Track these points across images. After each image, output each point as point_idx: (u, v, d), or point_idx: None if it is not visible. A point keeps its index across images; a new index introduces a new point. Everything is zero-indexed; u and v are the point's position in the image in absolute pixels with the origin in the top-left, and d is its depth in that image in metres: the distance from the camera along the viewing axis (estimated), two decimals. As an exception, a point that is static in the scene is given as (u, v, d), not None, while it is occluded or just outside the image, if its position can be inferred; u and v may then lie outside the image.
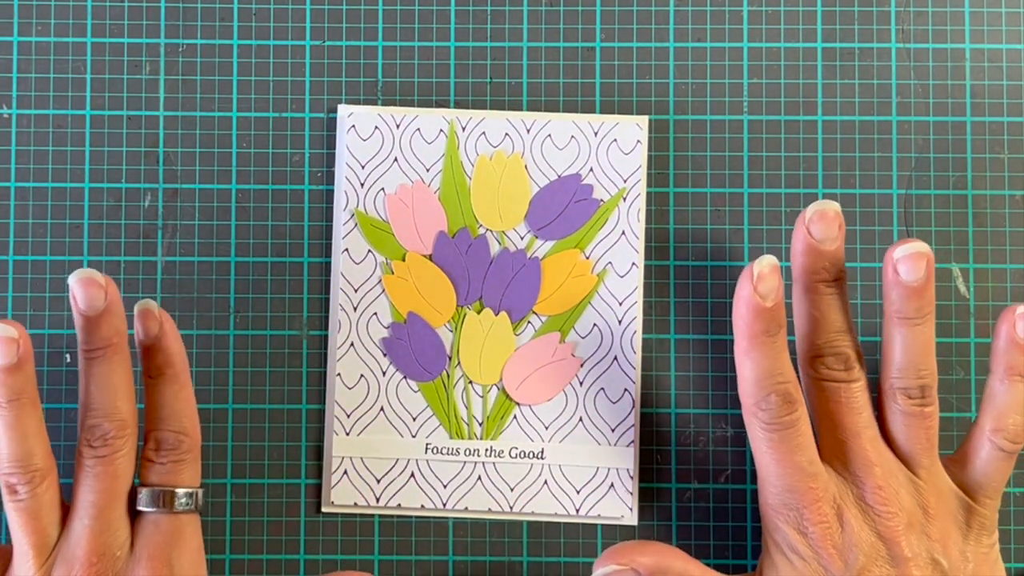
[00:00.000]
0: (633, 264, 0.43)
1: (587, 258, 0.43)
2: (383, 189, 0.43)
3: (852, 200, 0.43)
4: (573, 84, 0.44)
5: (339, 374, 0.43)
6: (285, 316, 0.43)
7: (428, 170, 0.43)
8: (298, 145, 0.44)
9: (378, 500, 0.42)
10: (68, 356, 0.43)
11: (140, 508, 0.38)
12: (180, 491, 0.38)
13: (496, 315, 0.43)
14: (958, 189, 0.43)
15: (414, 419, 0.43)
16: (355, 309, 0.43)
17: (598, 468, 0.42)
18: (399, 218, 0.43)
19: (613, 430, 0.43)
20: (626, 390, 0.43)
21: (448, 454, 0.42)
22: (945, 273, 0.43)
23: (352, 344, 0.43)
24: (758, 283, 0.37)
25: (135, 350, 0.39)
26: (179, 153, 0.43)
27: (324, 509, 0.42)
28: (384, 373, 0.43)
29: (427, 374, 0.43)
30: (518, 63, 0.44)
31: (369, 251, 0.43)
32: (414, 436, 0.43)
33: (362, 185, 0.43)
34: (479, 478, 0.42)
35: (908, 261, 0.38)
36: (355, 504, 0.42)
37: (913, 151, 0.44)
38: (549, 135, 0.43)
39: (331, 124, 0.44)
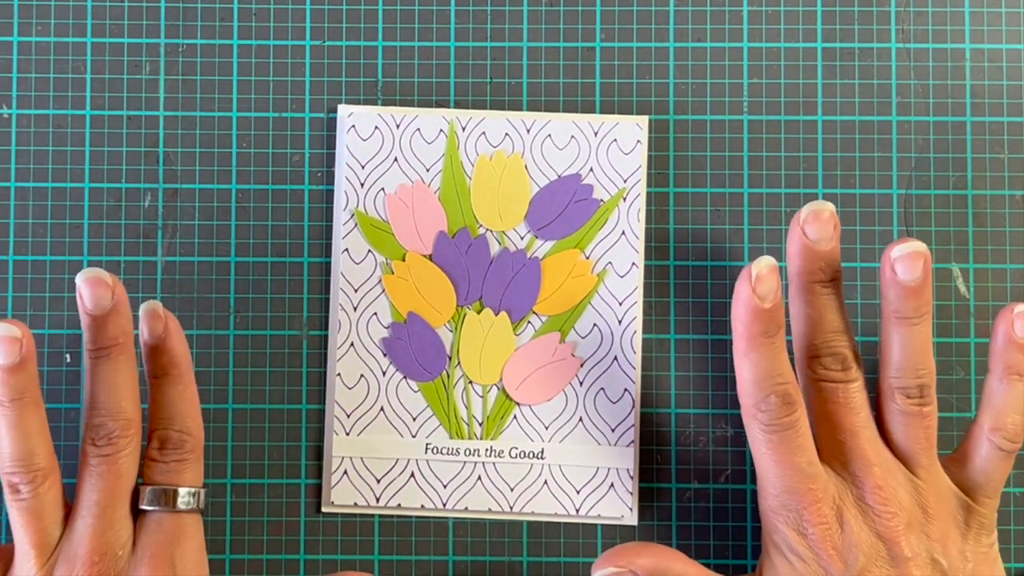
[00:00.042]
0: (633, 264, 0.43)
1: (587, 258, 0.43)
2: (383, 189, 0.43)
3: (852, 200, 0.43)
4: (573, 84, 0.44)
5: (339, 374, 0.43)
6: (285, 316, 0.43)
7: (428, 170, 0.43)
8: (298, 145, 0.44)
9: (378, 500, 0.42)
10: (68, 356, 0.43)
11: (143, 507, 0.38)
12: (183, 490, 0.38)
13: (496, 315, 0.43)
14: (958, 189, 0.43)
15: (414, 419, 0.43)
16: (355, 309, 0.43)
17: (598, 468, 0.42)
18: (399, 218, 0.43)
19: (613, 430, 0.43)
20: (626, 390, 0.43)
21: (448, 454, 0.42)
22: (945, 273, 0.43)
23: (352, 344, 0.43)
24: (756, 284, 0.37)
25: (139, 350, 0.39)
26: (179, 153, 0.43)
27: (324, 509, 0.43)
28: (384, 373, 0.43)
29: (427, 374, 0.43)
30: (518, 63, 0.44)
31: (369, 251, 0.43)
32: (414, 436, 0.43)
33: (362, 185, 0.43)
34: (479, 478, 0.42)
35: (905, 260, 0.38)
36: (355, 504, 0.42)
37: (913, 151, 0.44)
38: (549, 135, 0.43)
39: (331, 124, 0.44)
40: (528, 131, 0.43)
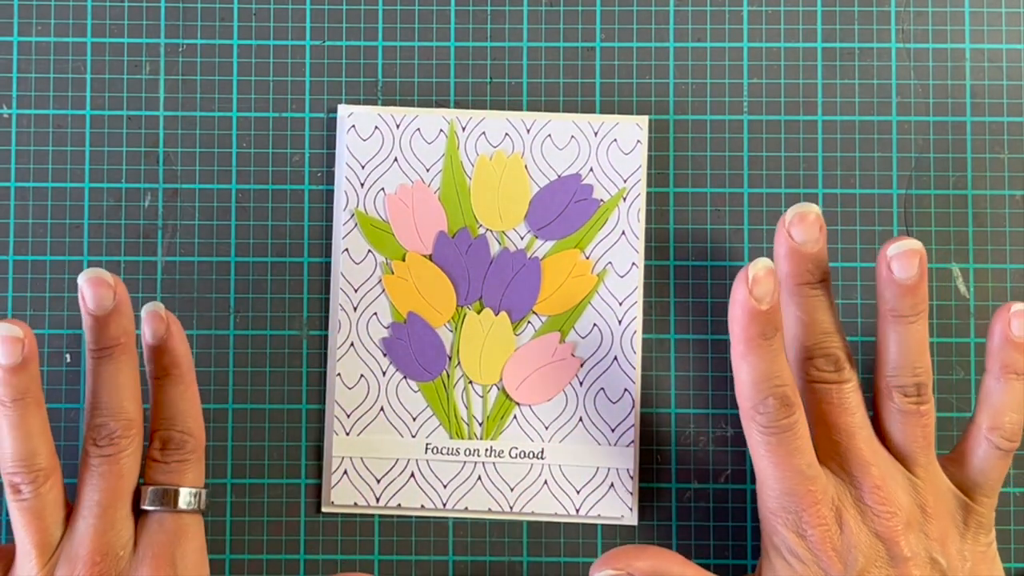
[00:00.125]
0: (633, 264, 0.43)
1: (587, 258, 0.43)
2: (383, 189, 0.43)
3: (852, 200, 0.43)
4: (573, 84, 0.44)
5: (339, 374, 0.43)
6: (285, 316, 0.43)
7: (428, 170, 0.43)
8: (298, 145, 0.44)
9: (378, 500, 0.42)
10: (68, 356, 0.43)
11: (144, 507, 0.38)
12: (184, 490, 0.38)
13: (496, 315, 0.43)
14: (958, 189, 0.43)
15: (414, 419, 0.43)
16: (355, 309, 0.43)
17: (598, 468, 0.42)
18: (399, 218, 0.43)
19: (613, 430, 0.43)
20: (626, 390, 0.43)
21: (448, 454, 0.42)
22: (945, 273, 0.43)
23: (352, 344, 0.43)
24: (753, 286, 0.37)
25: (140, 350, 0.39)
26: (179, 153, 0.43)
27: (324, 509, 0.43)
28: (384, 373, 0.43)
29: (427, 374, 0.43)
30: (518, 63, 0.44)
31: (369, 251, 0.43)
32: (414, 436, 0.43)
33: (362, 185, 0.43)
34: (479, 478, 0.42)
35: (901, 259, 0.38)
36: (355, 504, 0.42)
37: (913, 151, 0.44)
38: (549, 135, 0.43)
39: (331, 124, 0.44)
40: (528, 131, 0.43)
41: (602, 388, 0.43)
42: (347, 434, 0.42)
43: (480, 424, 0.43)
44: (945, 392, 0.43)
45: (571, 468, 0.42)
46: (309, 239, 0.43)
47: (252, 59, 0.44)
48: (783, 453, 0.37)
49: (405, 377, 0.43)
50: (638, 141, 0.43)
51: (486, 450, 0.42)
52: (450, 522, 0.43)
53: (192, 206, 0.43)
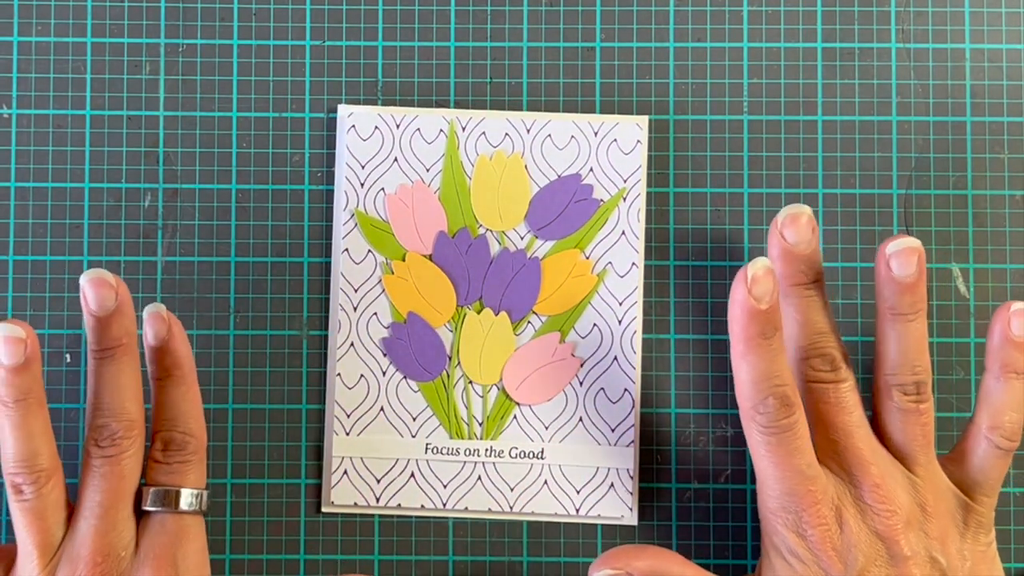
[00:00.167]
0: (633, 264, 0.43)
1: (587, 258, 0.43)
2: (383, 189, 0.43)
3: (852, 200, 0.43)
4: (573, 84, 0.44)
5: (339, 374, 0.43)
6: (285, 316, 0.43)
7: (428, 170, 0.43)
8: (298, 145, 0.44)
9: (378, 500, 0.42)
10: (68, 356, 0.43)
11: (146, 508, 0.38)
12: (186, 491, 0.38)
13: (496, 315, 0.43)
14: (958, 189, 0.43)
15: (414, 419, 0.43)
16: (355, 309, 0.43)
17: (598, 468, 0.42)
18: (399, 218, 0.43)
19: (613, 430, 0.43)
20: (626, 390, 0.43)
21: (448, 454, 0.42)
22: (945, 273, 0.43)
23: (352, 344, 0.43)
24: (752, 286, 0.37)
25: (142, 351, 0.39)
26: (179, 153, 0.43)
27: (324, 509, 0.43)
28: (384, 373, 0.43)
29: (427, 374, 0.43)
30: (518, 63, 0.44)
31: (369, 251, 0.43)
32: (414, 436, 0.43)
33: (362, 185, 0.43)
34: (479, 478, 0.42)
35: (900, 256, 0.38)
36: (355, 504, 0.42)
37: (913, 151, 0.44)
38: (549, 135, 0.43)
39: (331, 124, 0.44)
40: (528, 131, 0.43)
41: (602, 388, 0.43)
42: (347, 434, 0.42)
43: (480, 424, 0.43)
44: (945, 392, 0.43)
45: (571, 468, 0.42)
46: (309, 239, 0.43)
47: (252, 59, 0.44)
48: (783, 453, 0.37)
49: (405, 377, 0.43)
50: (638, 141, 0.43)
51: (486, 450, 0.42)
52: (450, 522, 0.43)
53: (192, 206, 0.43)
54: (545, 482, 0.42)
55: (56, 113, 0.44)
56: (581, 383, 0.43)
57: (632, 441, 0.42)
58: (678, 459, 0.43)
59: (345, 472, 0.42)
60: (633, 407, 0.43)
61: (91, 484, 0.37)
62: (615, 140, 0.43)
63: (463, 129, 0.43)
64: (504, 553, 0.43)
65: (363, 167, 0.43)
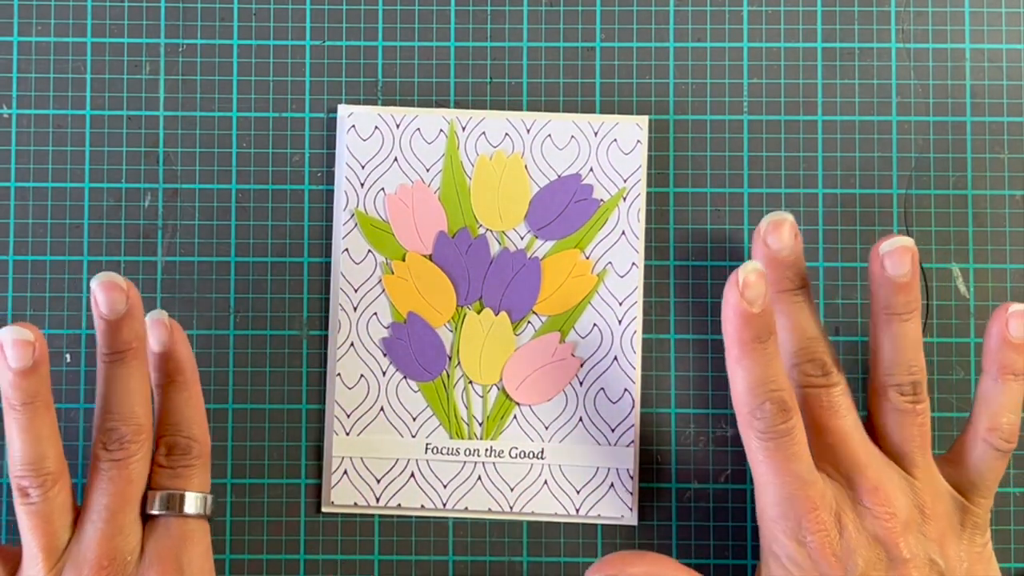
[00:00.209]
0: (633, 264, 0.43)
1: (587, 258, 0.43)
2: (383, 189, 0.43)
3: (852, 200, 0.43)
4: (573, 84, 0.44)
5: (339, 374, 0.43)
6: (285, 316, 0.43)
7: (428, 170, 0.43)
8: (298, 145, 0.44)
9: (378, 500, 0.42)
10: (68, 356, 0.43)
11: (151, 511, 0.38)
12: (190, 495, 0.38)
13: (496, 315, 0.43)
14: (958, 189, 0.43)
15: (414, 419, 0.43)
16: (355, 309, 0.43)
17: (598, 468, 0.42)
18: (399, 218, 0.43)
19: (613, 430, 0.43)
20: (626, 390, 0.43)
21: (448, 454, 0.42)
22: (945, 273, 0.43)
23: (352, 344, 0.43)
24: (744, 289, 0.37)
25: None
26: (179, 153, 0.43)
27: (324, 509, 0.43)
28: (384, 373, 0.43)
29: (427, 374, 0.43)
30: (518, 63, 0.44)
31: (369, 251, 0.43)
32: (414, 436, 0.43)
33: (362, 185, 0.43)
34: (479, 478, 0.42)
35: (894, 256, 0.38)
36: (355, 504, 0.42)
37: (913, 151, 0.44)
38: (549, 135, 0.43)
39: (331, 124, 0.44)
40: (528, 131, 0.43)
41: (602, 388, 0.43)
42: (347, 434, 0.42)
43: (480, 424, 0.43)
44: (945, 392, 0.43)
45: (571, 468, 0.42)
46: (309, 239, 0.43)
47: (252, 59, 0.44)
48: (781, 458, 0.37)
49: (405, 377, 0.43)
50: (638, 141, 0.43)
51: (486, 450, 0.42)
52: (450, 522, 0.43)
53: (192, 206, 0.43)
54: (545, 482, 0.42)
55: (56, 113, 0.44)
56: (581, 383, 0.43)
57: (632, 441, 0.42)
58: (678, 459, 0.43)
59: (345, 472, 0.42)
60: (633, 407, 0.43)
61: (98, 487, 0.37)
62: (615, 140, 0.43)
63: (463, 129, 0.43)
64: (504, 553, 0.43)
65: (363, 167, 0.43)
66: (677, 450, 0.43)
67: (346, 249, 0.43)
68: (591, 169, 0.43)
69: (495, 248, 0.43)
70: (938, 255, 0.43)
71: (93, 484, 0.37)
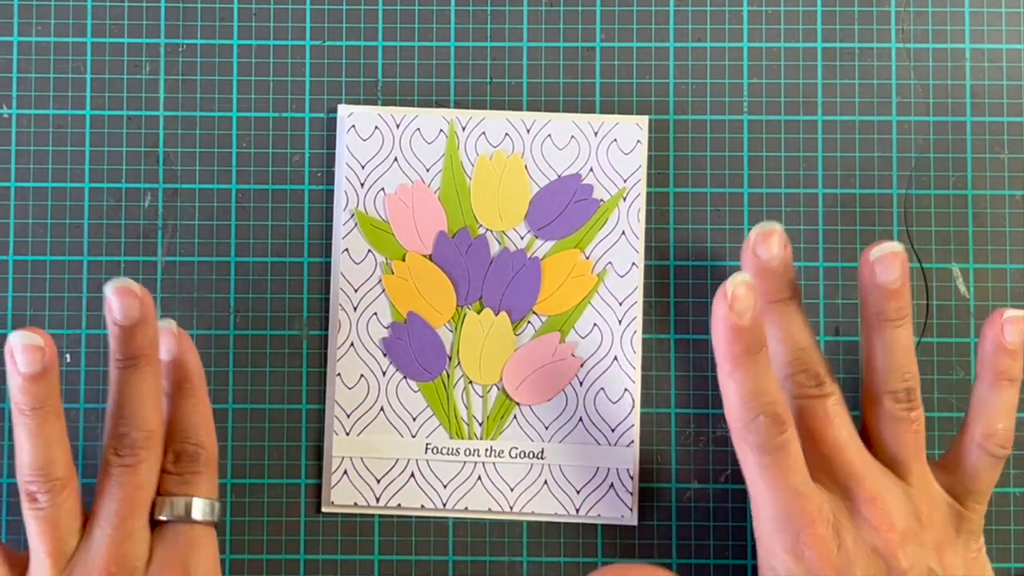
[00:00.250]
0: (633, 264, 0.43)
1: (587, 258, 0.43)
2: (383, 189, 0.43)
3: (852, 200, 0.43)
4: (573, 84, 0.44)
5: (339, 374, 0.43)
6: (285, 316, 0.43)
7: (428, 170, 0.43)
8: (298, 145, 0.44)
9: (378, 500, 0.42)
10: (68, 356, 0.43)
11: (158, 517, 0.38)
12: (198, 501, 0.38)
13: (496, 315, 0.43)
14: (958, 189, 0.43)
15: (414, 419, 0.43)
16: (355, 309, 0.43)
17: (598, 468, 0.42)
18: (399, 218, 0.43)
19: (613, 430, 0.43)
20: (626, 390, 0.43)
21: (448, 454, 0.42)
22: (945, 273, 0.43)
23: (352, 344, 0.43)
24: (733, 302, 0.36)
25: None
26: (179, 153, 0.43)
27: (324, 509, 0.43)
28: (384, 373, 0.43)
29: (427, 374, 0.43)
30: (518, 63, 0.44)
31: (369, 251, 0.43)
32: (414, 436, 0.43)
33: (362, 185, 0.43)
34: (479, 478, 0.42)
35: (883, 262, 0.38)
36: (355, 504, 0.42)
37: (913, 151, 0.44)
38: (549, 135, 0.43)
39: (331, 124, 0.44)
40: (528, 131, 0.43)
41: (602, 388, 0.43)
42: (347, 434, 0.42)
43: (480, 424, 0.43)
44: (945, 392, 0.43)
45: (571, 468, 0.42)
46: (309, 239, 0.43)
47: (252, 59, 0.44)
48: (777, 472, 0.37)
49: (405, 377, 0.43)
50: (638, 141, 0.43)
51: (486, 450, 0.42)
52: (450, 522, 0.43)
53: (192, 206, 0.43)
54: (545, 482, 0.42)
55: (56, 113, 0.44)
56: (581, 383, 0.43)
57: (632, 441, 0.42)
58: (678, 459, 0.43)
59: (345, 472, 0.42)
60: (633, 407, 0.43)
61: (108, 492, 0.37)
62: (615, 140, 0.43)
63: (463, 129, 0.43)
64: (504, 553, 0.43)
65: (363, 167, 0.43)
66: (677, 450, 0.43)
67: (346, 249, 0.43)
68: (591, 169, 0.43)
69: (495, 248, 0.43)
70: (938, 255, 0.43)
71: (103, 489, 0.37)
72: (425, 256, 0.43)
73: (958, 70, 0.44)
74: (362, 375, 0.43)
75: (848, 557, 0.36)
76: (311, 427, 0.43)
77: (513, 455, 0.42)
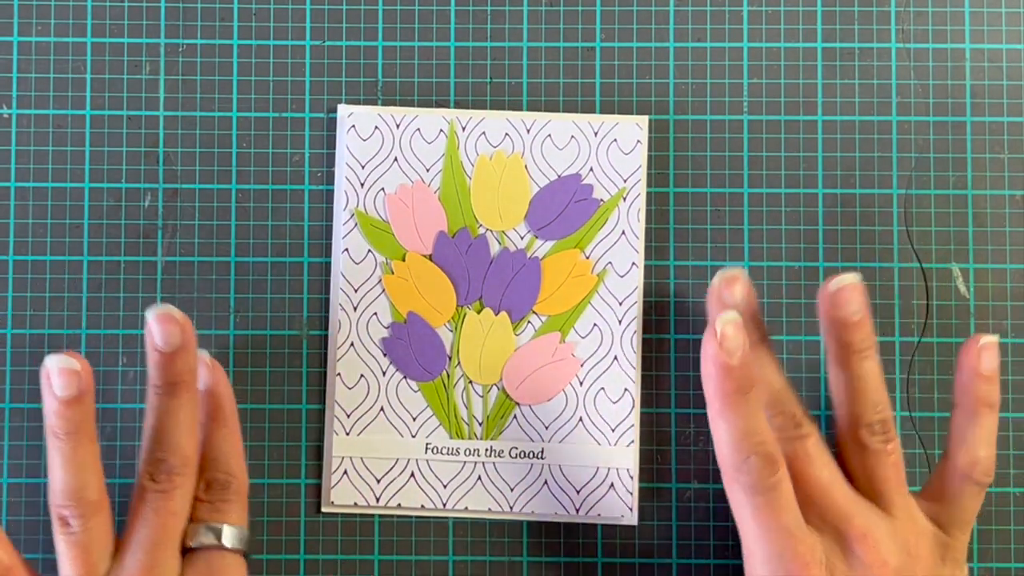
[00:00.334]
0: (633, 264, 0.43)
1: (587, 258, 0.43)
2: (383, 189, 0.43)
3: (852, 200, 0.43)
4: (573, 84, 0.44)
5: (339, 374, 0.43)
6: (285, 316, 0.43)
7: (428, 170, 0.43)
8: (298, 145, 0.44)
9: (378, 500, 0.42)
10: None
11: (189, 544, 0.38)
12: (228, 529, 0.38)
13: (496, 315, 0.43)
14: (958, 189, 0.43)
15: (414, 419, 0.43)
16: (355, 309, 0.43)
17: (598, 468, 0.42)
18: (399, 218, 0.43)
19: (613, 430, 0.43)
20: (626, 390, 0.43)
21: (448, 454, 0.42)
22: (945, 273, 0.43)
23: (352, 344, 0.43)
24: (723, 341, 0.36)
25: None
26: (179, 153, 0.43)
27: (324, 509, 0.43)
28: (384, 373, 0.43)
29: (427, 374, 0.43)
30: (518, 63, 0.44)
31: (369, 251, 0.43)
32: (414, 436, 0.43)
33: (362, 185, 0.43)
34: (479, 478, 0.42)
35: (841, 295, 0.38)
36: (355, 504, 0.42)
37: (913, 151, 0.44)
38: (549, 135, 0.43)
39: (331, 124, 0.44)
40: (528, 131, 0.43)
41: (602, 388, 0.43)
42: (347, 434, 0.42)
43: (480, 424, 0.43)
44: (945, 392, 0.43)
45: (571, 468, 0.42)
46: (309, 239, 0.43)
47: (252, 59, 0.44)
48: (770, 514, 0.36)
49: (405, 377, 0.43)
50: (638, 141, 0.43)
51: (486, 450, 0.42)
52: (450, 522, 0.43)
53: (192, 206, 0.43)
54: (545, 482, 0.42)
55: (56, 113, 0.44)
56: (581, 383, 0.43)
57: (632, 441, 0.42)
58: (678, 459, 0.43)
59: (345, 472, 0.42)
60: (633, 407, 0.43)
61: (141, 518, 0.37)
62: (615, 140, 0.43)
63: (463, 129, 0.43)
64: (504, 553, 0.43)
65: (363, 167, 0.43)
66: (677, 450, 0.43)
67: (346, 249, 0.43)
68: (591, 169, 0.43)
69: (495, 248, 0.43)
70: (938, 255, 0.43)
71: (137, 514, 0.37)
72: (425, 256, 0.43)
73: (958, 70, 0.44)
74: (362, 375, 0.43)
75: None
76: (311, 427, 0.43)
77: (513, 455, 0.42)
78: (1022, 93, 0.44)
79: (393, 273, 0.43)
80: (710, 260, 0.43)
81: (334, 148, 0.43)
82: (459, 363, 0.43)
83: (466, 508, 0.42)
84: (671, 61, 0.44)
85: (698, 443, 0.43)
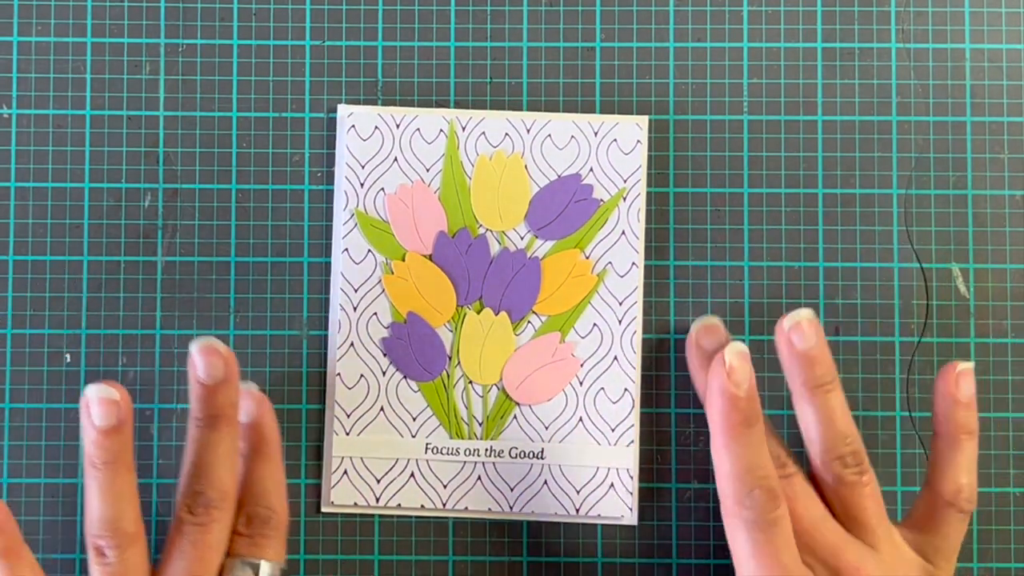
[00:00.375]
0: (633, 264, 0.43)
1: (587, 258, 0.43)
2: (383, 189, 0.43)
3: (852, 200, 0.43)
4: (573, 84, 0.44)
5: (339, 374, 0.43)
6: (285, 316, 0.43)
7: (428, 170, 0.43)
8: (298, 145, 0.44)
9: (378, 500, 0.42)
10: (68, 356, 0.43)
11: None
12: (265, 564, 0.38)
13: (496, 315, 0.43)
14: (958, 189, 0.43)
15: (414, 419, 0.43)
16: (355, 309, 0.43)
17: (598, 468, 0.42)
18: (399, 218, 0.43)
19: (613, 430, 0.42)
20: (626, 390, 0.43)
21: (448, 454, 0.42)
22: (945, 273, 0.43)
23: (352, 344, 0.43)
24: (731, 372, 0.36)
25: None
26: (179, 153, 0.43)
27: (324, 509, 0.42)
28: (384, 373, 0.43)
29: (427, 374, 0.43)
30: (518, 63, 0.44)
31: (369, 251, 0.43)
32: (414, 436, 0.43)
33: (362, 185, 0.43)
34: (479, 478, 0.42)
35: (798, 330, 0.38)
36: (355, 504, 0.42)
37: (913, 151, 0.44)
38: (549, 135, 0.43)
39: (331, 124, 0.44)
40: (528, 131, 0.43)
41: (602, 388, 0.43)
42: (347, 434, 0.42)
43: (480, 424, 0.43)
44: (945, 392, 0.43)
45: (571, 468, 0.42)
46: (309, 239, 0.43)
47: (252, 59, 0.44)
48: (771, 549, 0.36)
49: (405, 377, 0.43)
50: (638, 141, 0.43)
51: (486, 450, 0.42)
52: (450, 522, 0.43)
53: (192, 206, 0.43)
54: (545, 482, 0.42)
55: (56, 113, 0.44)
56: (581, 383, 0.43)
57: (632, 441, 0.42)
58: (678, 459, 0.43)
59: (345, 472, 0.42)
60: (633, 407, 0.43)
61: (179, 550, 0.37)
62: (615, 140, 0.43)
63: (463, 129, 0.43)
64: (504, 553, 0.43)
65: (363, 167, 0.43)
66: (677, 450, 0.43)
67: (346, 249, 0.43)
68: (591, 169, 0.43)
69: (495, 248, 0.43)
70: (938, 255, 0.43)
71: (173, 546, 0.37)
72: (425, 256, 0.43)
73: (958, 70, 0.44)
74: (362, 375, 0.43)
75: None
76: (311, 427, 0.43)
77: (513, 455, 0.42)
78: (1022, 93, 0.44)
79: (393, 273, 0.43)
80: (710, 260, 0.43)
81: (334, 148, 0.43)
82: (459, 363, 0.43)
83: (466, 508, 0.42)
84: (671, 61, 0.44)
85: (698, 443, 0.43)
